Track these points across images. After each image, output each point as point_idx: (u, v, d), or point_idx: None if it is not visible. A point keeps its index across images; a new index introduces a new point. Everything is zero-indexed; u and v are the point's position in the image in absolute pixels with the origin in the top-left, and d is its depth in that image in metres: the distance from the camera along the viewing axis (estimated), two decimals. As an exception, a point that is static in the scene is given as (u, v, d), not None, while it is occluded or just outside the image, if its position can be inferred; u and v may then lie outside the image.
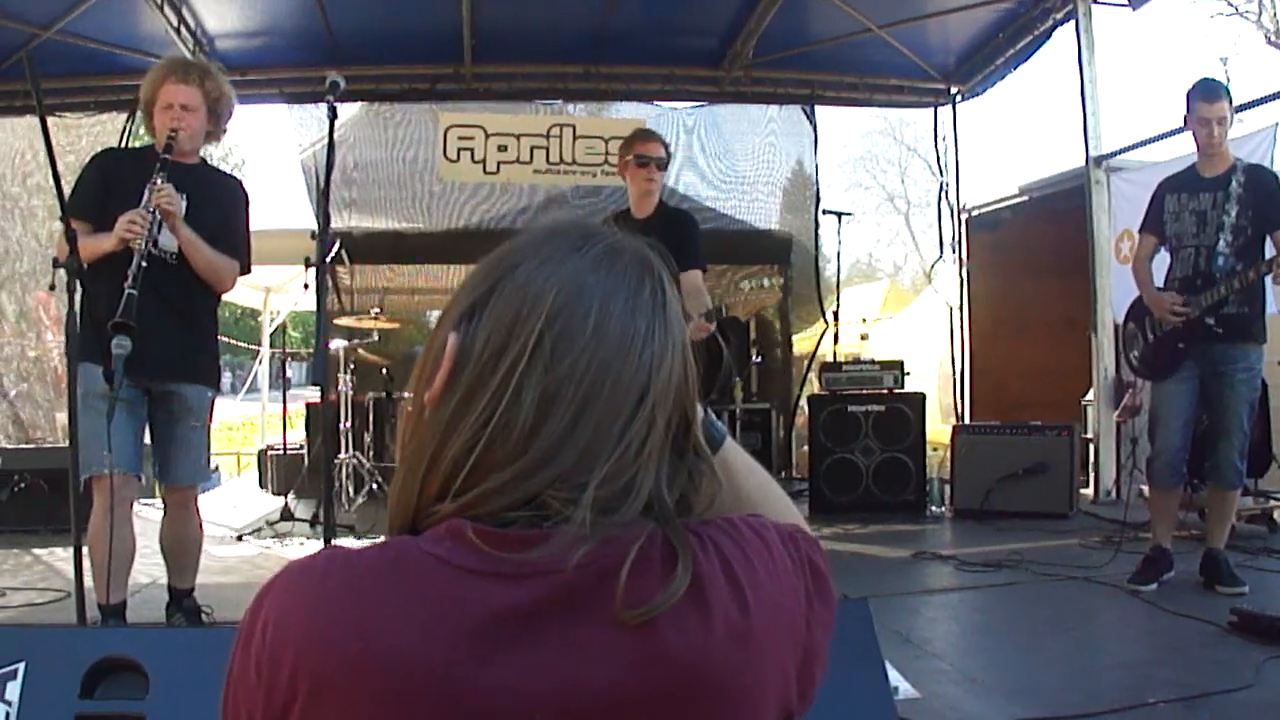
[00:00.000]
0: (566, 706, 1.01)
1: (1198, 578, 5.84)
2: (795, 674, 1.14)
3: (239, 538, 7.87)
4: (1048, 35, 10.33)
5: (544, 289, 1.12)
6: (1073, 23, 9.69)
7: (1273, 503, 7.49)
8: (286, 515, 8.17)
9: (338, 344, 9.16)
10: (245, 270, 4.90)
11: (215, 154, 4.56)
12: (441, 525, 1.08)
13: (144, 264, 4.28)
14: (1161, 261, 6.09)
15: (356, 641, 1.01)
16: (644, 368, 1.13)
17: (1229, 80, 24.62)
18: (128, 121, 10.52)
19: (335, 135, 4.22)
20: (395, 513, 1.18)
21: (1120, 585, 5.85)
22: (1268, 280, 5.79)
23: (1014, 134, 59.25)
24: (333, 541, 4.59)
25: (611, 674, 1.03)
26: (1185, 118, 5.91)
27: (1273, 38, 24.76)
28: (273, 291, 15.13)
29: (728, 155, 12.30)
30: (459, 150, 11.47)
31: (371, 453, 9.56)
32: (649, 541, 1.06)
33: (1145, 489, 7.20)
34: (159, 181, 4.40)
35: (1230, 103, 5.83)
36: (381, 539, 1.14)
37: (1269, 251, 5.72)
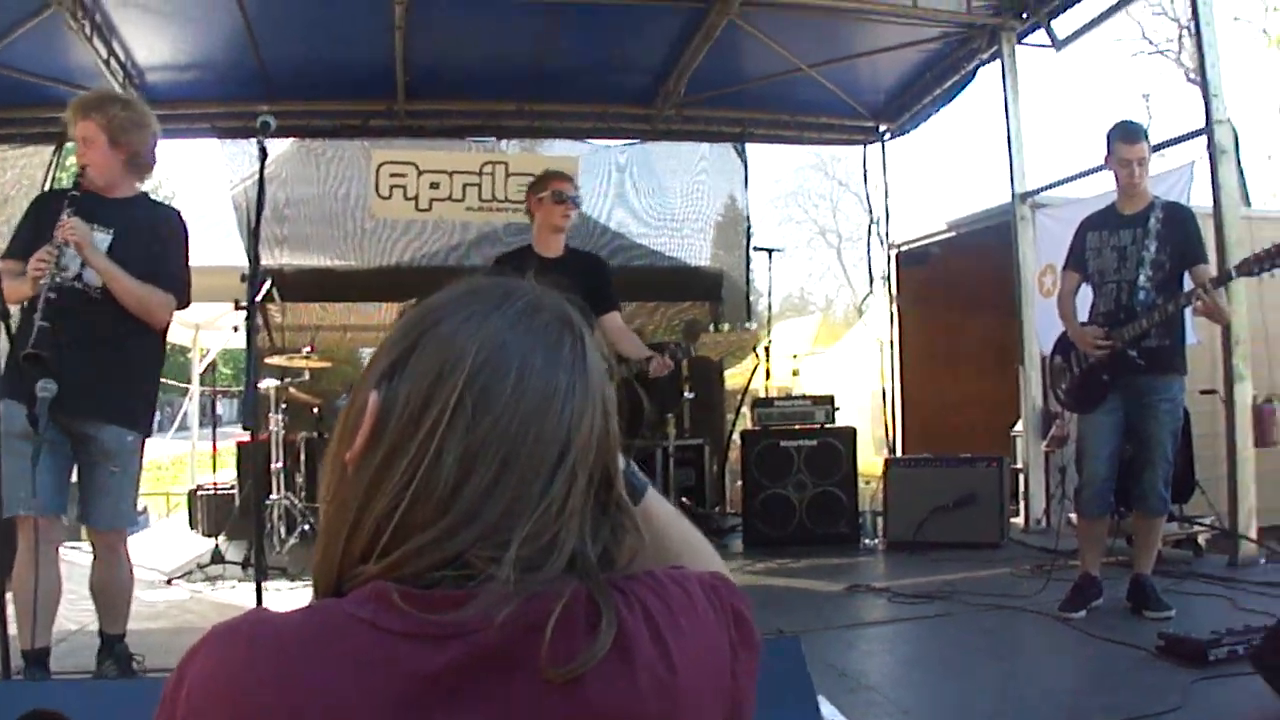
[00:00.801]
0: None
1: (1125, 603, 5.91)
2: None
3: (168, 581, 7.70)
4: (973, 74, 10.50)
5: (465, 347, 1.12)
6: (998, 62, 9.88)
7: (1197, 528, 7.61)
8: (217, 558, 8.01)
9: (269, 383, 9.05)
10: (183, 304, 4.84)
11: (142, 187, 4.50)
12: (366, 587, 1.07)
13: (51, 296, 4.24)
14: (1085, 296, 6.20)
15: (282, 710, 1.00)
16: (564, 424, 1.13)
17: (1150, 117, 25.14)
18: (54, 154, 10.37)
19: (266, 172, 4.22)
20: (319, 575, 1.17)
21: (1051, 613, 5.92)
22: (1187, 313, 5.93)
23: (942, 171, 59.96)
24: (264, 585, 4.58)
25: None
26: (1106, 157, 6.05)
27: (1192, 75, 25.23)
28: (202, 328, 14.97)
29: (660, 192, 12.35)
30: (391, 187, 11.41)
31: (304, 493, 9.44)
32: (573, 598, 1.06)
33: (1074, 517, 7.31)
34: (65, 215, 4.38)
35: (1149, 143, 5.99)
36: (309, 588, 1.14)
37: (1188, 286, 5.86)
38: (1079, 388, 6.13)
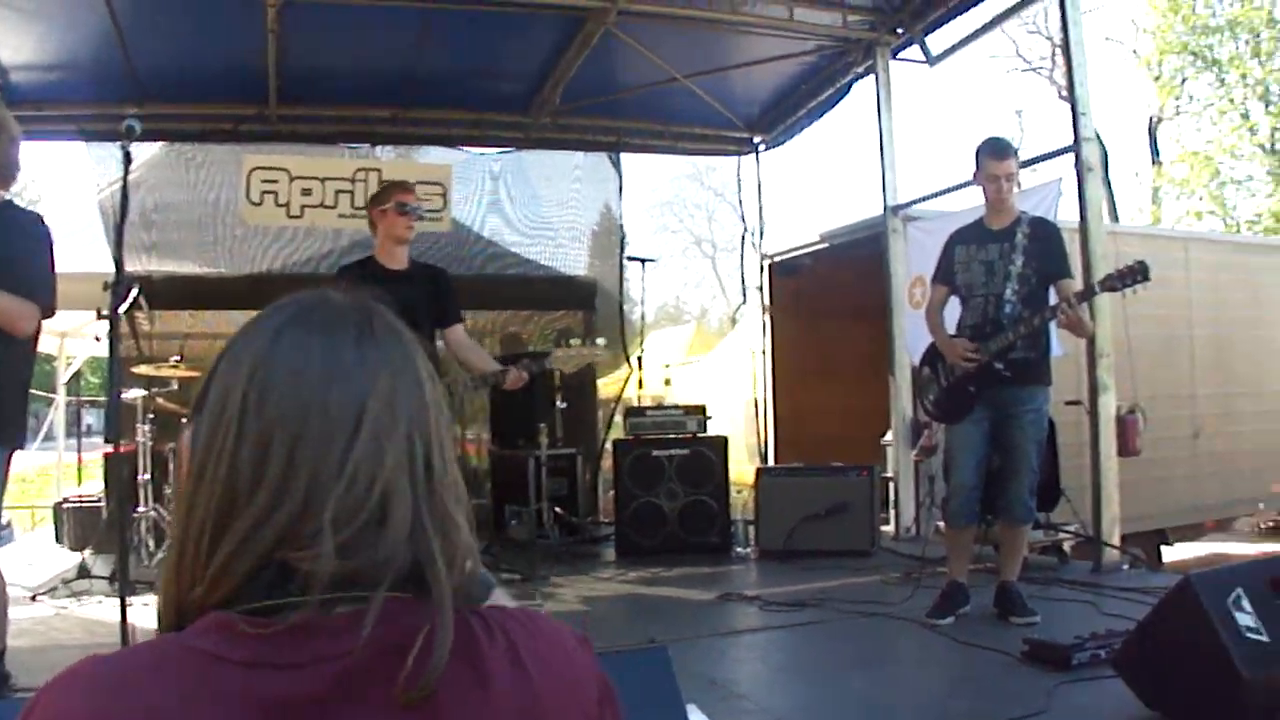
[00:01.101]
0: None
1: (992, 610, 6.00)
2: None
3: (33, 598, 7.40)
4: (848, 88, 10.61)
5: (242, 357, 1.14)
6: (872, 76, 9.98)
7: (1062, 535, 7.75)
8: (84, 573, 7.72)
9: (135, 393, 8.77)
10: (48, 312, 4.62)
11: (6, 194, 4.28)
12: (207, 618, 1.05)
13: None
14: (953, 309, 6.28)
15: None
16: (353, 394, 1.12)
17: (1023, 133, 25.71)
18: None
19: (133, 177, 4.09)
20: (160, 613, 1.16)
21: (919, 620, 5.97)
22: (1052, 325, 6.02)
23: (816, 182, 60.72)
24: (130, 600, 4.42)
25: None
26: (975, 173, 6.14)
27: (1064, 93, 25.84)
28: (68, 336, 14.53)
29: (534, 201, 12.26)
30: (262, 193, 11.14)
31: (172, 505, 9.19)
32: (426, 621, 1.06)
33: (942, 525, 7.41)
34: None
35: (1017, 159, 6.09)
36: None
37: (1053, 299, 5.97)
38: (947, 399, 6.20)
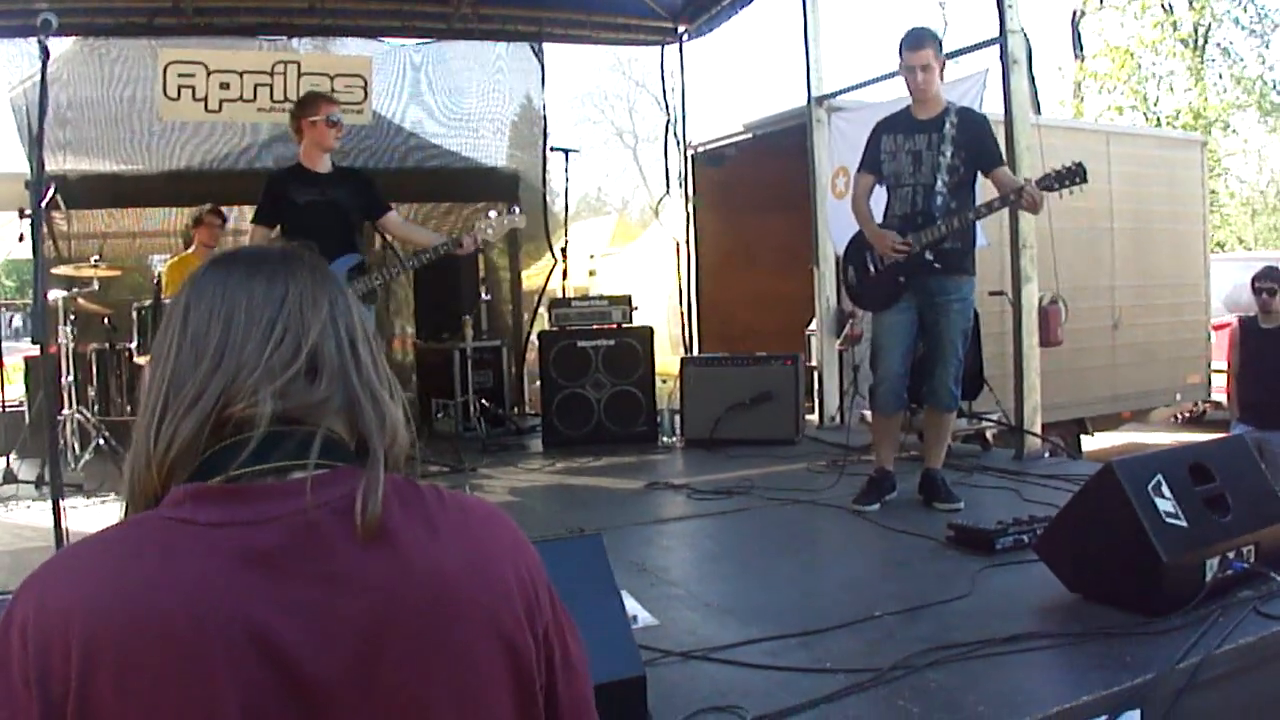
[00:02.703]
0: (331, 634, 1.16)
1: (917, 496, 6.10)
2: (530, 633, 1.30)
3: (-45, 504, 7.31)
4: (774, -26, 10.49)
5: (181, 289, 1.40)
6: (798, -38, 9.85)
7: (985, 424, 7.86)
8: (10, 478, 7.60)
9: (56, 294, 8.57)
10: None
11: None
12: (178, 491, 1.21)
13: None
14: (877, 198, 6.28)
15: (120, 605, 1.11)
16: (278, 285, 1.35)
17: (946, 25, 25.67)
18: None
19: (48, 73, 3.96)
20: (130, 500, 1.30)
21: (846, 506, 6.05)
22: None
23: (741, 73, 60.31)
24: (61, 503, 4.37)
25: (367, 595, 1.18)
26: (899, 65, 6.11)
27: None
28: (-20, 238, 14.20)
29: (455, 93, 12.08)
30: (179, 88, 10.82)
31: (96, 407, 9.00)
32: (370, 483, 1.23)
33: (867, 414, 7.48)
34: None
35: (937, 49, 6.02)
36: (111, 496, 1.27)
37: (979, 188, 5.99)
38: (874, 288, 6.20)
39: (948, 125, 5.94)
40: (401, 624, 1.19)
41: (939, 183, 5.89)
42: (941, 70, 6.07)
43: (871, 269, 6.19)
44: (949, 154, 5.89)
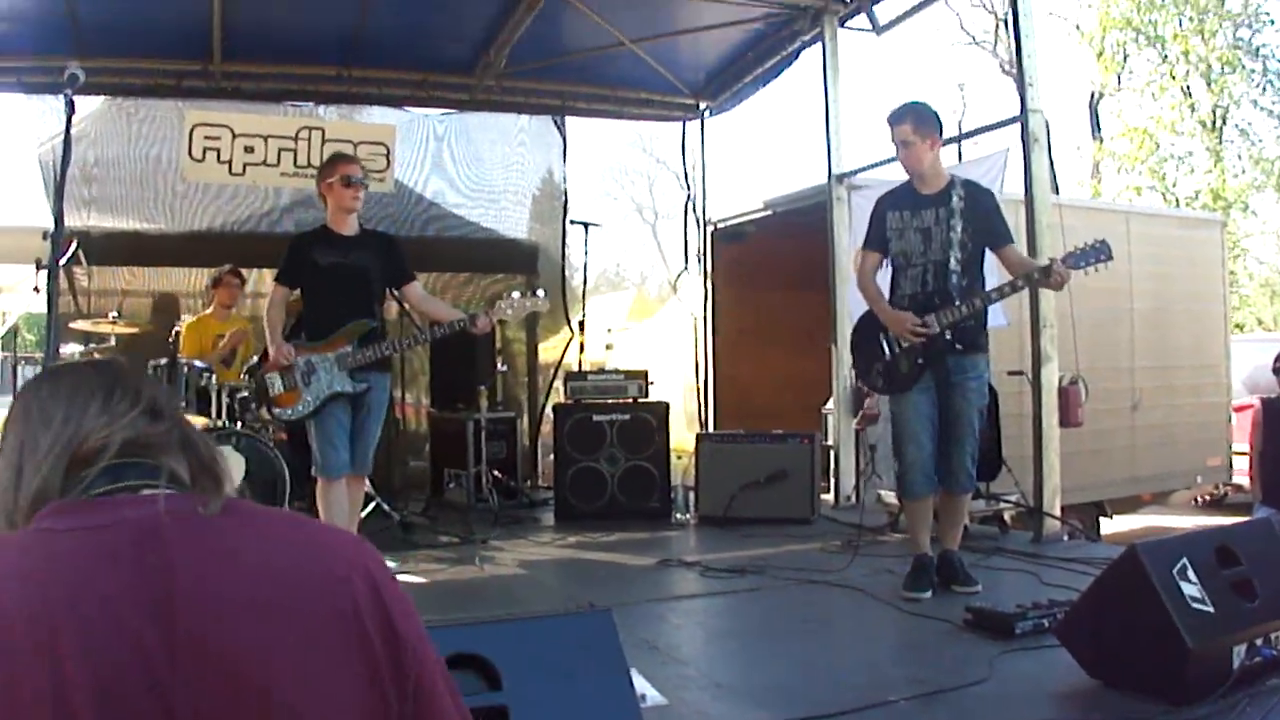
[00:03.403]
0: (173, 618, 1.28)
1: (934, 578, 5.98)
2: (375, 621, 1.40)
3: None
4: (795, 55, 10.53)
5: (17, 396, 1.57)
6: (819, 44, 9.90)
7: (1003, 505, 7.76)
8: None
9: (73, 349, 8.61)
10: None
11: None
12: (46, 509, 1.38)
13: None
14: (881, 277, 6.21)
15: None
16: (109, 373, 1.56)
17: (965, 106, 25.74)
18: None
19: (75, 130, 3.96)
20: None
21: (863, 588, 5.96)
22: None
23: (761, 150, 60.72)
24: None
25: (206, 583, 1.32)
26: None
27: (1007, 67, 26.02)
28: (4, 291, 14.25)
29: (477, 163, 12.15)
30: (204, 150, 10.91)
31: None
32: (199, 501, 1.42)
33: (884, 494, 7.39)
34: None
35: (918, 123, 5.94)
36: None
37: (988, 262, 5.93)
38: (891, 370, 6.09)
39: (955, 199, 5.86)
40: (240, 608, 1.32)
41: (952, 260, 5.79)
42: (934, 145, 5.99)
43: (887, 352, 6.08)
44: (959, 229, 5.80)
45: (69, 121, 3.96)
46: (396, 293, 6.79)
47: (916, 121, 5.96)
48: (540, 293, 6.62)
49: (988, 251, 5.98)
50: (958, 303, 5.75)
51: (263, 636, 1.31)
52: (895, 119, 5.98)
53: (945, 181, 5.98)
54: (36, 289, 8.14)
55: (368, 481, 7.60)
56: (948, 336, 5.80)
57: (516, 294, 6.55)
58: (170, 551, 1.32)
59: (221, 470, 1.50)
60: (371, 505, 8.39)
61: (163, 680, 1.24)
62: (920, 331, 5.79)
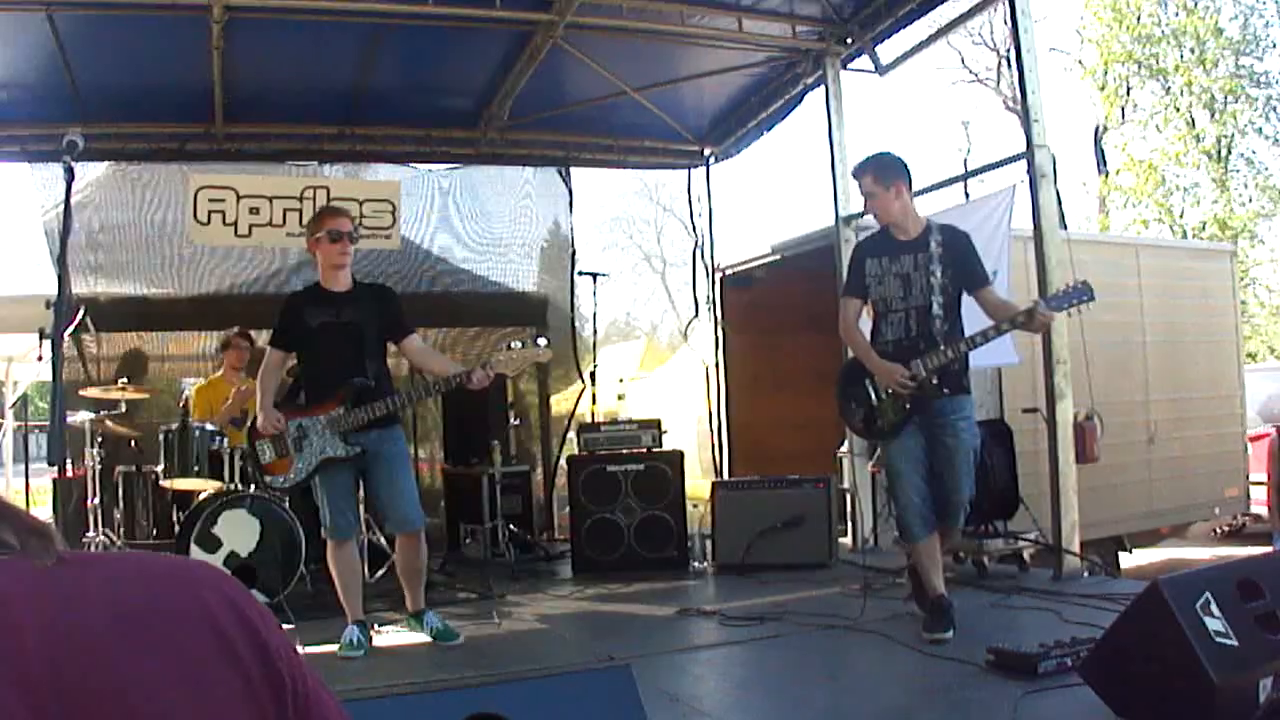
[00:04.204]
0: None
1: (953, 618, 5.89)
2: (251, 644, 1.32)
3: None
4: (799, 99, 10.58)
5: None
6: (823, 87, 9.93)
7: (1022, 543, 7.70)
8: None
9: (83, 416, 8.58)
10: None
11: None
12: None
13: None
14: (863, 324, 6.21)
15: None
16: None
17: (970, 143, 25.74)
18: None
19: (78, 197, 3.97)
20: None
21: (886, 633, 5.90)
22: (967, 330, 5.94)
23: (768, 194, 60.89)
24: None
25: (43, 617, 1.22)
26: None
27: (1010, 104, 26.09)
28: (14, 361, 14.32)
29: (483, 217, 12.19)
30: (210, 212, 10.92)
31: (122, 529, 8.96)
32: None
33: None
34: None
35: (879, 174, 5.98)
36: None
37: (965, 304, 5.92)
38: (881, 416, 6.05)
39: (933, 244, 5.88)
40: (103, 648, 1.25)
41: (934, 305, 5.80)
42: (899, 193, 5.98)
43: (874, 398, 6.06)
44: (939, 273, 5.82)
45: (69, 188, 3.95)
46: (397, 347, 6.56)
47: (878, 171, 6.00)
48: (542, 341, 6.44)
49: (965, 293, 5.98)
50: (942, 347, 5.75)
51: (135, 671, 1.25)
52: (858, 172, 6.07)
53: (922, 227, 6.00)
54: (40, 358, 8.16)
55: (384, 539, 7.57)
56: (934, 381, 5.79)
57: (517, 344, 6.40)
58: (13, 611, 1.24)
59: (50, 530, 1.40)
60: (386, 565, 8.36)
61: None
62: (909, 385, 5.78)
